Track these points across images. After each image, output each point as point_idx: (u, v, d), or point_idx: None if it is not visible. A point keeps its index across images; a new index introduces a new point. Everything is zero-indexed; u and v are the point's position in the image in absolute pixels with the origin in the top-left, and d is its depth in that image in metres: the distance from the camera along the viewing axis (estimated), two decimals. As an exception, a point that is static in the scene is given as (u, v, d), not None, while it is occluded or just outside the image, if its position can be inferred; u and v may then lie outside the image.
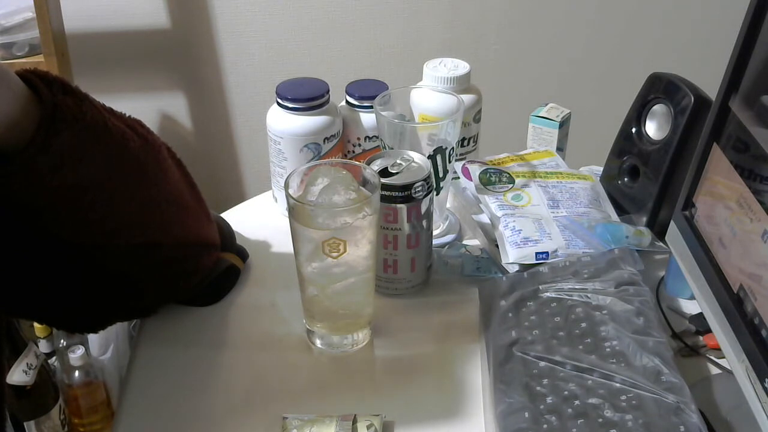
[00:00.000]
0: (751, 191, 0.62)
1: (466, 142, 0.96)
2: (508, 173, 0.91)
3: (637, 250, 0.81)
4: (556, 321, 0.72)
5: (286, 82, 0.92)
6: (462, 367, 0.74)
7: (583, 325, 0.71)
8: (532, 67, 1.67)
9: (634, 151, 0.90)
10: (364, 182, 0.73)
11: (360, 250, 0.71)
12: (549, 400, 0.64)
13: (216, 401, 0.71)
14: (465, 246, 0.89)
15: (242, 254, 0.86)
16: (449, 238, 0.90)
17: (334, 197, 0.70)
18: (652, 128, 0.89)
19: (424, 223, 0.79)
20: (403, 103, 0.90)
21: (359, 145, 0.95)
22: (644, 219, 0.88)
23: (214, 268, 0.80)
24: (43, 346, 1.38)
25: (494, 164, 0.93)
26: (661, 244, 0.85)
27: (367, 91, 0.93)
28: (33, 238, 0.64)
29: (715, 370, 0.74)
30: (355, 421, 0.66)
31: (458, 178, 0.93)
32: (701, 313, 0.71)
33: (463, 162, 0.93)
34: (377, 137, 0.90)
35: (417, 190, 0.77)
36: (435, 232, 0.88)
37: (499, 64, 1.65)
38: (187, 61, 1.61)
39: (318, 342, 0.77)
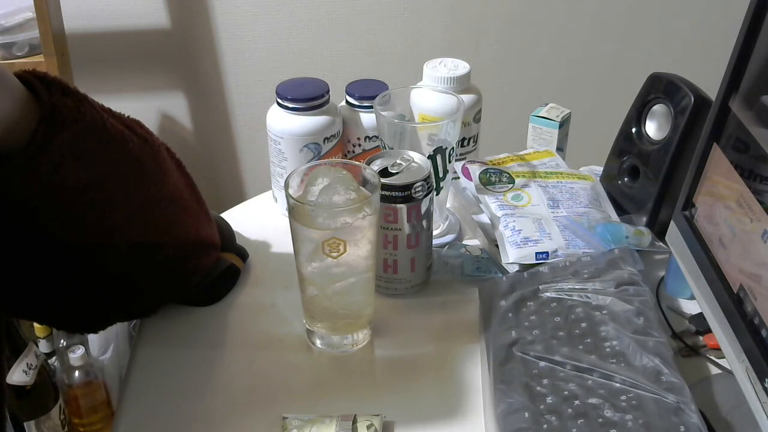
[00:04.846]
0: (751, 191, 0.62)
1: (466, 142, 0.96)
2: (508, 173, 0.91)
3: (637, 250, 0.81)
4: (556, 321, 0.72)
5: (286, 82, 0.92)
6: (462, 367, 0.74)
7: (583, 325, 0.71)
8: (532, 67, 1.67)
9: (634, 151, 0.90)
10: (364, 182, 0.73)
11: (360, 250, 0.71)
12: (549, 400, 0.64)
13: (216, 401, 0.71)
14: (465, 246, 0.89)
15: (242, 254, 0.87)
16: (449, 238, 0.90)
17: (334, 197, 0.70)
18: (652, 128, 0.89)
19: (424, 223, 0.79)
20: (403, 103, 0.90)
21: (359, 145, 0.95)
22: (644, 219, 0.88)
23: (214, 268, 0.80)
24: (43, 346, 1.38)
25: (494, 164, 0.93)
26: (661, 244, 0.85)
27: (367, 91, 0.93)
28: (33, 238, 0.64)
29: (715, 370, 0.74)
30: (355, 421, 0.66)
31: (458, 178, 0.93)
32: (701, 313, 0.71)
33: (463, 162, 0.93)
34: (377, 137, 0.90)
35: (417, 190, 0.77)
36: (435, 232, 0.88)
37: (499, 64, 1.65)
38: (187, 61, 1.61)
39: (318, 342, 0.77)
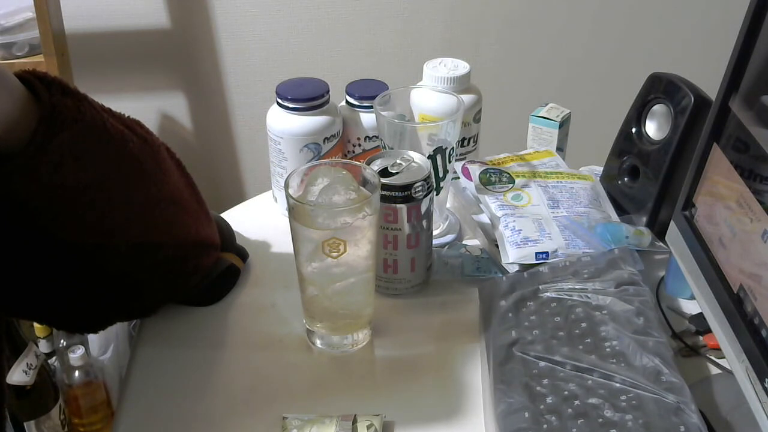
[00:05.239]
0: (751, 191, 0.62)
1: (466, 142, 0.96)
2: (508, 173, 0.91)
3: (637, 250, 0.81)
4: (556, 321, 0.72)
5: (286, 82, 0.92)
6: (462, 367, 0.74)
7: (583, 325, 0.71)
8: (532, 67, 1.67)
9: (634, 151, 0.90)
10: (364, 182, 0.73)
11: (360, 250, 0.71)
12: (549, 400, 0.64)
13: (216, 401, 0.71)
14: (465, 246, 0.89)
15: (242, 254, 0.87)
16: (449, 238, 0.90)
17: (334, 197, 0.70)
18: (652, 128, 0.89)
19: (424, 223, 0.79)
20: (403, 103, 0.90)
21: (359, 145, 0.95)
22: (644, 219, 0.88)
23: (214, 268, 0.80)
24: (43, 346, 1.38)
25: (494, 164, 0.93)
26: (661, 244, 0.85)
27: (367, 91, 0.93)
28: (33, 238, 0.64)
29: (715, 370, 0.74)
30: (355, 421, 0.66)
31: (458, 178, 0.93)
32: (701, 313, 0.71)
33: (463, 162, 0.93)
34: (377, 137, 0.90)
35: (417, 190, 0.77)
36: (435, 232, 0.88)
37: (499, 64, 1.65)
38: (187, 61, 1.61)
39: (318, 342, 0.77)
